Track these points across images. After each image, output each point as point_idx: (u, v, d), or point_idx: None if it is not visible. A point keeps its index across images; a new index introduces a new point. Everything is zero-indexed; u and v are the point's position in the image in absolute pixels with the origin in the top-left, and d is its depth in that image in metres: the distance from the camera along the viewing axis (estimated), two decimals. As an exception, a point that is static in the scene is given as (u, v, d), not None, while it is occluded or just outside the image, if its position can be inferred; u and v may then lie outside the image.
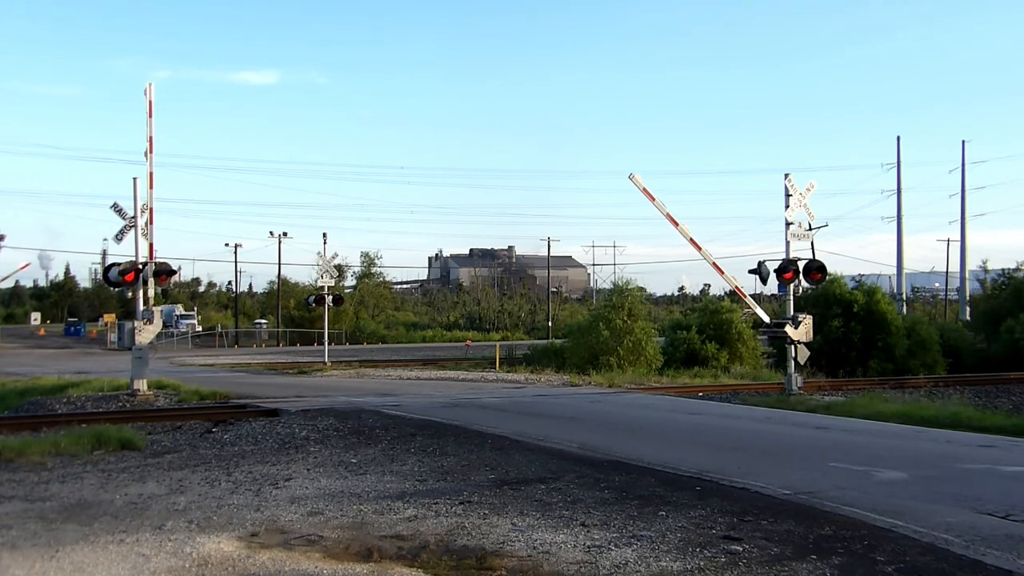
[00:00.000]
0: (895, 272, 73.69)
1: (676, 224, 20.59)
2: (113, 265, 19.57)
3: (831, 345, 32.38)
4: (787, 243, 20.08)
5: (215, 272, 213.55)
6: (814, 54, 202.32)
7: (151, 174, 19.02)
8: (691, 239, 20.66)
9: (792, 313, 20.17)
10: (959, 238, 72.36)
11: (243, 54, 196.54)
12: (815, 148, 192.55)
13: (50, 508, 7.69)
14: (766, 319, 21.62)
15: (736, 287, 20.86)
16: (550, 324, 76.10)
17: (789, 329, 19.84)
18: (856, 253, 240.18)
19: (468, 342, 60.43)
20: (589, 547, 6.36)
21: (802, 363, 20.57)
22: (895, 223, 72.98)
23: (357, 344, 68.98)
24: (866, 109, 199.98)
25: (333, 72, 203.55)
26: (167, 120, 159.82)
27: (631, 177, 20.43)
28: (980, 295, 55.39)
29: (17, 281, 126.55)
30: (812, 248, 20.47)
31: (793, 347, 20.17)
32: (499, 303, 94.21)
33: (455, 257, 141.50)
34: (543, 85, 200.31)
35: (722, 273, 21.10)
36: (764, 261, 20.08)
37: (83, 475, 9.42)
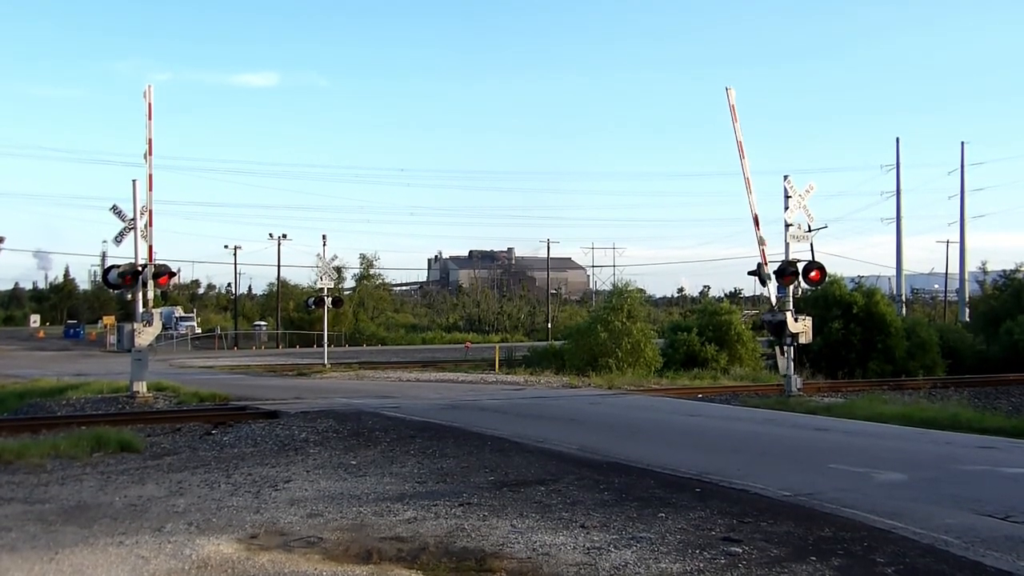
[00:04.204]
0: (895, 274, 73.73)
1: (743, 157, 20.26)
2: (113, 267, 19.57)
3: (831, 346, 32.40)
4: (786, 245, 20.07)
5: (215, 274, 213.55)
6: (814, 55, 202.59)
7: (150, 176, 19.03)
8: (747, 178, 20.28)
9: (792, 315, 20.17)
10: (958, 239, 72.45)
11: (243, 56, 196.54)
12: (814, 149, 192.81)
13: (49, 510, 7.69)
14: (773, 300, 21.31)
15: (760, 239, 20.26)
16: (549, 326, 76.13)
17: (789, 319, 19.81)
18: (855, 255, 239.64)
19: (467, 344, 60.42)
20: (589, 549, 6.36)
21: (782, 371, 20.54)
22: (894, 225, 73.11)
23: (356, 346, 68.98)
24: (865, 110, 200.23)
25: (333, 74, 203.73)
26: (167, 122, 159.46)
27: (727, 89, 20.30)
28: (979, 296, 55.49)
29: (17, 283, 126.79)
30: (811, 250, 20.43)
31: (792, 347, 20.16)
32: (498, 305, 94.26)
33: (454, 259, 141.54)
34: (543, 87, 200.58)
35: (758, 228, 20.41)
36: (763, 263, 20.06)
37: (82, 477, 9.41)
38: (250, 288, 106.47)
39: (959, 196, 71.39)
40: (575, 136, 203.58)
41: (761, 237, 20.06)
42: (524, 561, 6.06)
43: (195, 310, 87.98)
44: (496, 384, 25.40)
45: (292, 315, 74.64)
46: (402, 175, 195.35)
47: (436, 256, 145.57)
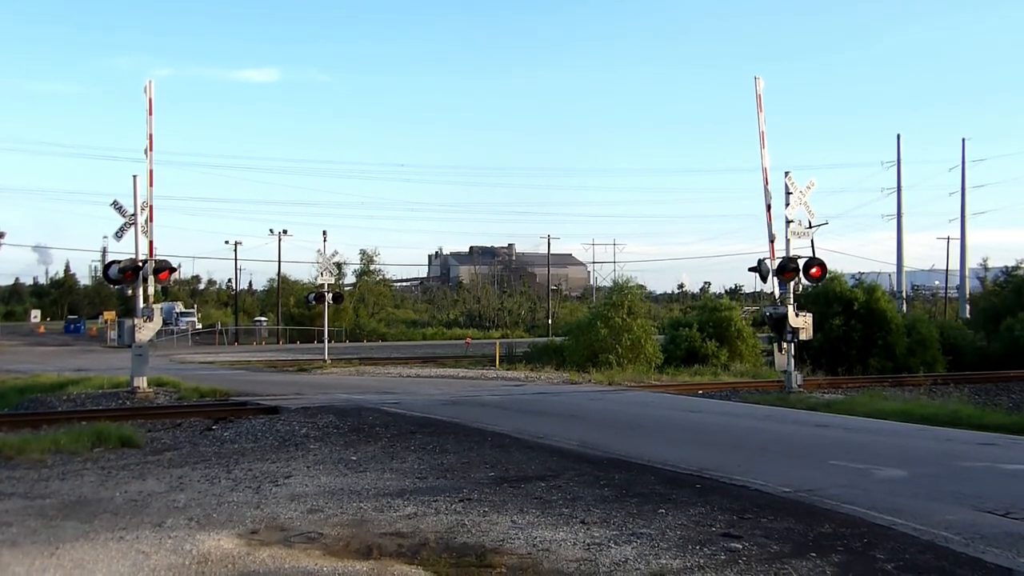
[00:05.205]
0: (895, 270, 73.72)
1: (763, 147, 20.19)
2: (113, 262, 19.58)
3: (831, 343, 32.38)
4: (787, 241, 20.06)
5: (215, 270, 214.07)
6: (814, 53, 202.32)
7: (151, 172, 19.03)
8: (765, 168, 20.19)
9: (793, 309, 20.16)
10: (959, 236, 72.50)
11: (244, 52, 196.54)
12: (815, 145, 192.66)
13: (50, 505, 7.69)
14: (776, 293, 21.26)
15: (771, 233, 20.25)
16: (550, 322, 76.08)
17: (790, 312, 19.78)
18: (856, 251, 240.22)
19: (468, 340, 60.44)
20: (589, 545, 6.36)
21: (779, 368, 20.51)
22: (895, 221, 73.13)
23: (357, 342, 68.98)
24: (866, 107, 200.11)
25: (333, 70, 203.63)
26: (168, 118, 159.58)
27: (756, 78, 20.37)
28: (980, 293, 55.55)
29: (17, 278, 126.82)
30: (812, 246, 20.52)
31: (792, 343, 20.14)
32: (499, 301, 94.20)
33: (455, 255, 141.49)
34: (544, 83, 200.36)
35: (771, 218, 20.39)
36: (764, 259, 20.07)
37: (83, 472, 9.42)
38: (250, 284, 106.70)
39: (960, 193, 71.48)
40: (576, 132, 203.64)
41: (772, 231, 20.01)
42: (524, 557, 6.06)
43: (195, 306, 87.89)
44: (496, 380, 25.40)
45: (292, 311, 74.71)
46: (402, 171, 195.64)
47: (437, 252, 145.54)
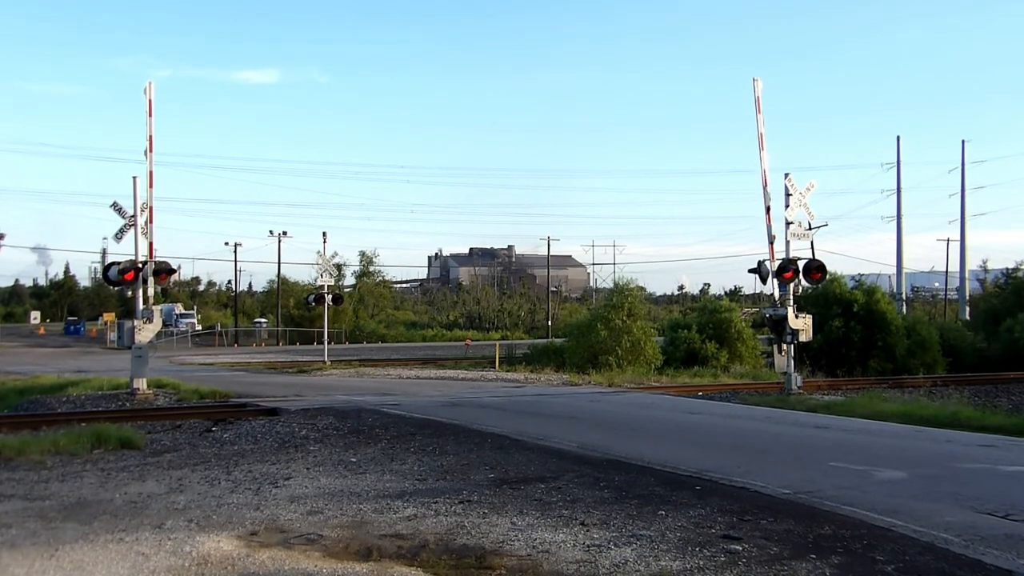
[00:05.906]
0: (895, 272, 73.73)
1: (762, 149, 20.16)
2: (113, 264, 19.55)
3: (831, 344, 32.43)
4: (787, 243, 20.04)
5: (215, 271, 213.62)
6: (814, 54, 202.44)
7: (151, 173, 19.01)
8: (764, 170, 20.19)
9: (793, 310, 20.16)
10: (959, 238, 72.43)
11: (244, 53, 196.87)
12: (815, 147, 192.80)
13: (50, 507, 7.69)
14: (776, 295, 21.28)
15: (771, 234, 20.21)
16: (550, 323, 76.13)
17: (790, 314, 19.78)
18: (856, 253, 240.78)
19: (468, 341, 60.48)
20: (589, 546, 6.36)
21: (779, 369, 20.50)
22: (895, 223, 73.14)
23: (357, 343, 69.02)
24: (866, 108, 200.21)
25: (334, 71, 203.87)
26: (167, 119, 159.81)
27: (754, 80, 20.39)
28: (980, 295, 55.66)
29: (17, 280, 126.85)
30: (812, 247, 20.42)
31: (792, 344, 20.13)
32: (499, 302, 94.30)
33: (455, 256, 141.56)
34: (543, 84, 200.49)
35: (771, 220, 20.44)
36: (764, 260, 20.06)
37: (83, 474, 9.42)
38: (250, 285, 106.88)
39: (960, 194, 71.40)
40: (576, 133, 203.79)
41: (771, 232, 19.99)
42: (524, 558, 6.06)
43: (195, 307, 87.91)
44: (496, 381, 25.39)
45: (292, 312, 74.73)
46: (402, 172, 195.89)
47: (436, 253, 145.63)
